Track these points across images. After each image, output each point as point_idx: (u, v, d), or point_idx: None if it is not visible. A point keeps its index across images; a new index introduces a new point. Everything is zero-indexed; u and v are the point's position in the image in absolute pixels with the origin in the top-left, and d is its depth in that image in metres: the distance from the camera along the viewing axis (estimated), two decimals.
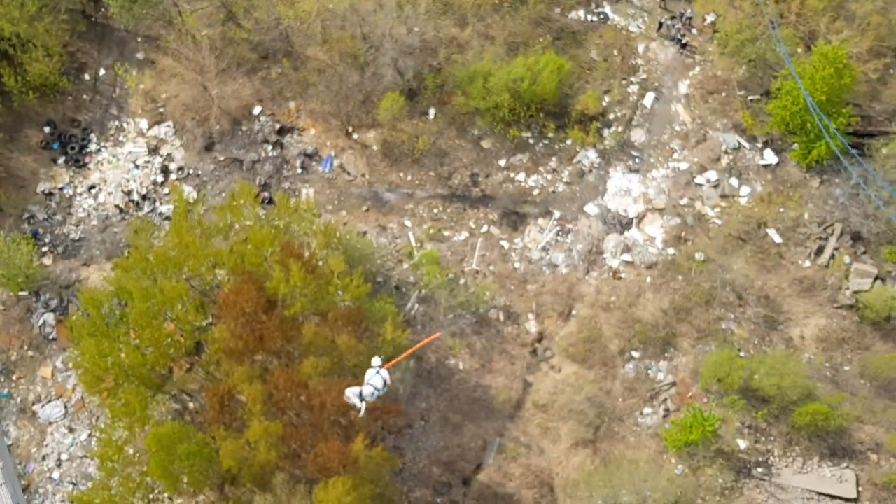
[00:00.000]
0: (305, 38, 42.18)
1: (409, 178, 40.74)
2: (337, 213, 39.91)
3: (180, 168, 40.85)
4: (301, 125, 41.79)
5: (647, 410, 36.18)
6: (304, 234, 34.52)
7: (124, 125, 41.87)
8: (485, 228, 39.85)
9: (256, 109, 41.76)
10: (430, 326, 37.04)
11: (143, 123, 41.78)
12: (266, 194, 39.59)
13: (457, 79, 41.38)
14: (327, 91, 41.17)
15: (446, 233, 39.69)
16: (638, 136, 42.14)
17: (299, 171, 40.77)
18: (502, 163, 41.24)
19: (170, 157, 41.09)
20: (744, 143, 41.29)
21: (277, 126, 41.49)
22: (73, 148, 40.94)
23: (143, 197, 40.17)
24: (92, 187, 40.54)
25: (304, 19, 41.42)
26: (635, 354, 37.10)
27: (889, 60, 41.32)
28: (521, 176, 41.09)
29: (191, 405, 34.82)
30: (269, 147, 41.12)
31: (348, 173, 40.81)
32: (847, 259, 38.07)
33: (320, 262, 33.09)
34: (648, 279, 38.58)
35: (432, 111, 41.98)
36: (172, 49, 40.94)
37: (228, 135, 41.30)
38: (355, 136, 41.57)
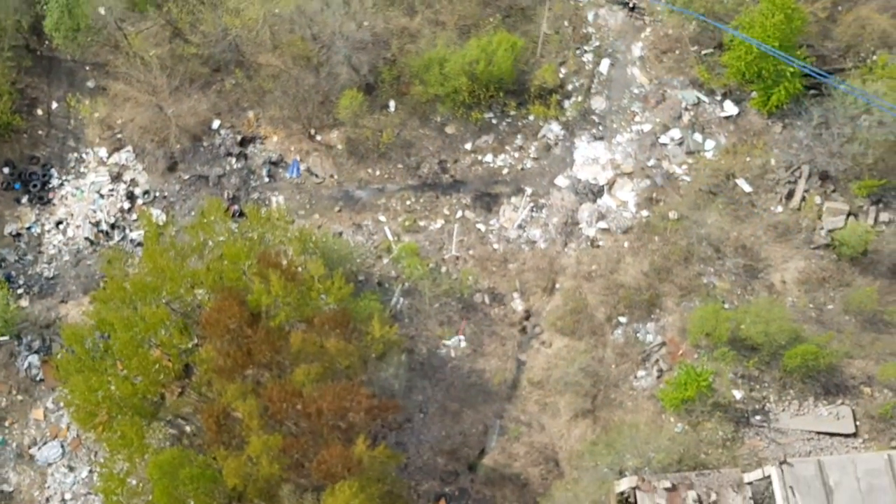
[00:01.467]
0: (255, 46, 41.76)
1: (377, 173, 40.59)
2: (310, 217, 39.70)
3: (146, 192, 40.41)
4: (262, 133, 41.46)
5: (640, 373, 36.51)
6: (279, 242, 34.34)
7: (84, 156, 41.31)
8: (459, 214, 39.84)
9: (215, 123, 41.36)
10: (417, 319, 37.07)
11: (103, 152, 41.24)
12: (236, 207, 39.30)
13: (413, 68, 41.21)
14: (284, 96, 40.85)
15: (422, 223, 39.64)
16: (598, 103, 42.23)
17: (266, 179, 40.48)
18: (468, 146, 41.20)
19: (134, 182, 40.63)
20: (703, 97, 41.51)
21: (239, 137, 41.13)
22: (34, 186, 40.38)
23: (112, 226, 39.73)
24: (59, 223, 40.03)
25: (251, 27, 40.95)
26: (622, 320, 37.36)
27: None
28: (489, 157, 41.08)
29: (187, 429, 34.65)
30: (233, 159, 40.77)
31: (316, 176, 40.58)
32: (818, 199, 38.48)
33: (299, 269, 32.96)
34: (626, 244, 38.80)
35: (392, 103, 41.79)
36: (122, 73, 40.38)
37: (190, 152, 40.88)
38: (318, 137, 41.31)
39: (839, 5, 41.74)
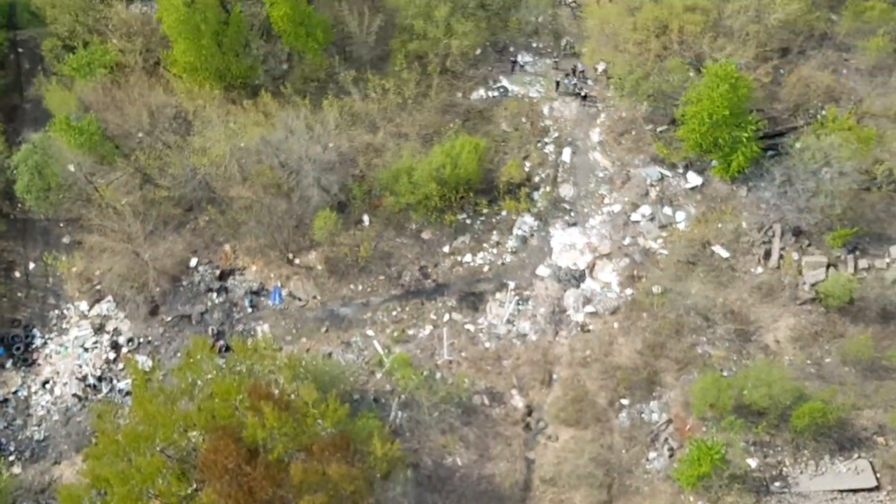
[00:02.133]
0: (225, 181, 42.49)
1: (360, 288, 40.67)
2: (297, 342, 39.41)
3: (130, 340, 40.07)
4: (241, 265, 41.63)
5: (651, 455, 35.71)
6: (269, 372, 33.89)
7: (65, 312, 41.12)
8: (447, 317, 39.74)
9: (193, 261, 41.54)
10: (418, 431, 36.34)
11: (84, 305, 41.10)
12: (222, 342, 38.95)
13: (382, 181, 42.02)
14: (259, 226, 41.29)
15: (410, 331, 39.44)
16: (566, 191, 43.04)
17: (249, 310, 40.37)
18: (446, 249, 41.56)
19: (117, 331, 40.34)
20: (666, 172, 42.49)
21: (217, 272, 41.26)
22: (18, 349, 39.99)
23: (99, 378, 39.15)
24: (46, 382, 39.41)
25: (219, 163, 41.81)
26: (625, 402, 36.85)
27: (776, 62, 43.45)
28: (468, 257, 41.39)
29: None
30: (214, 294, 40.74)
31: (299, 299, 40.56)
32: (796, 255, 38.89)
33: (292, 396, 32.42)
34: (616, 324, 38.73)
35: (366, 218, 42.36)
36: (97, 225, 40.69)
37: (170, 294, 40.85)
38: (297, 261, 41.54)
39: (781, 69, 43.54)
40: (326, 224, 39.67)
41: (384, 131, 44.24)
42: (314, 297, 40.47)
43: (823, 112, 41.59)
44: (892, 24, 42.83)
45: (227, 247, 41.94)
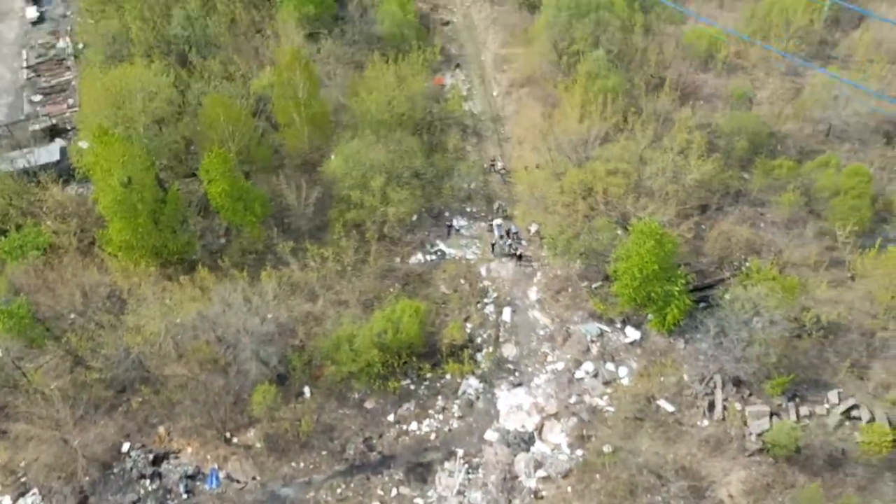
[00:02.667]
0: (160, 359, 41.27)
1: (301, 465, 39.01)
2: None
3: None
4: (176, 447, 39.69)
5: None
6: None
7: None
8: (394, 492, 38.16)
9: (125, 447, 39.45)
10: None
11: (7, 500, 38.19)
12: None
13: (322, 350, 41.46)
14: (195, 404, 39.82)
15: None
16: (509, 350, 43.14)
17: (185, 496, 38.08)
18: (391, 418, 40.59)
19: None
20: (604, 327, 43.18)
21: (151, 456, 39.17)
22: None
23: None
24: None
25: (153, 341, 40.76)
26: None
27: (697, 218, 45.66)
28: (414, 425, 40.43)
29: None
30: (147, 481, 38.45)
31: (237, 481, 38.55)
32: (738, 405, 39.21)
33: None
34: (569, 488, 37.75)
35: (307, 389, 41.37)
36: (23, 413, 38.70)
37: (101, 482, 38.42)
38: (235, 440, 39.87)
39: (702, 224, 45.70)
40: (265, 399, 38.57)
41: (324, 300, 44.22)
42: (253, 478, 38.54)
43: (747, 264, 43.44)
44: (800, 179, 45.85)
45: (161, 429, 40.11)
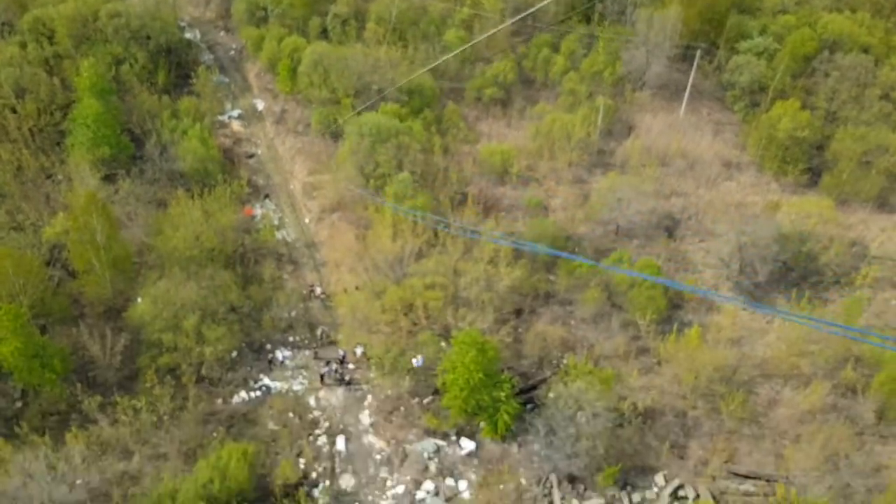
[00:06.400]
0: None
1: None
2: None
3: None
4: None
5: None
6: None
7: None
8: None
9: None
10: None
11: None
12: None
13: None
14: None
15: None
16: (347, 481, 41.65)
17: None
18: None
19: None
20: (440, 442, 43.00)
21: None
22: None
23: None
24: None
25: None
26: None
27: (513, 322, 47.51)
28: None
29: None
30: None
31: None
32: (576, 502, 40.00)
33: None
34: None
35: None
36: None
37: None
38: None
39: (518, 328, 47.57)
40: None
41: (140, 455, 40.76)
42: None
43: (564, 361, 45.47)
44: (599, 276, 49.31)
45: None
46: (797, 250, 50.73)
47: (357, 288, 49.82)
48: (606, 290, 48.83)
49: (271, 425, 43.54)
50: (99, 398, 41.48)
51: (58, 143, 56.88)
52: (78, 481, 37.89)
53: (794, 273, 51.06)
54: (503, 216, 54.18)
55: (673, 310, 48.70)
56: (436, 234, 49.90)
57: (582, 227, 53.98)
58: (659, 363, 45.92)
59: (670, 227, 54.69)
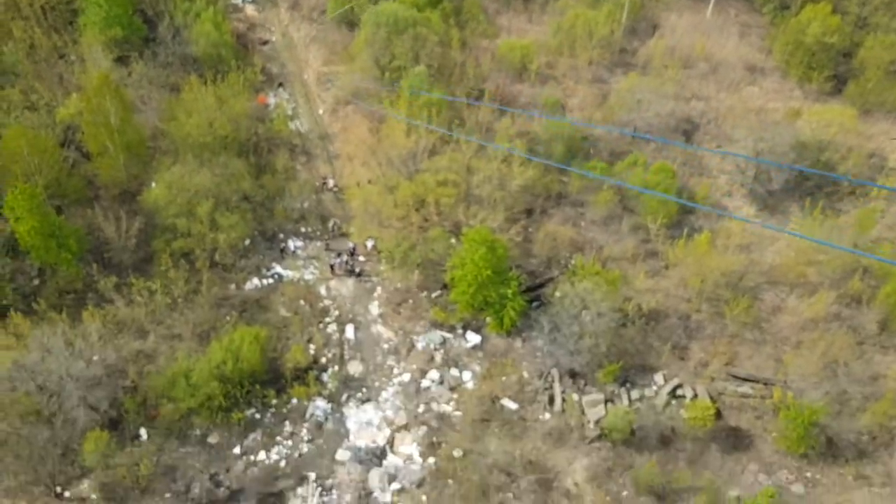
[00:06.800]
0: None
1: None
2: None
3: None
4: None
5: None
6: None
7: None
8: None
9: None
10: None
11: None
12: None
13: (157, 389, 39.36)
14: (18, 461, 36.50)
15: None
16: (355, 367, 42.96)
17: None
18: (237, 450, 39.16)
19: None
20: (446, 335, 44.03)
21: None
22: None
23: None
24: None
25: None
26: None
27: (524, 222, 47.67)
28: (262, 454, 39.23)
29: None
30: None
31: None
32: (576, 396, 41.21)
33: None
34: (423, 497, 38.08)
35: (143, 431, 39.09)
36: None
37: None
38: (67, 494, 36.91)
39: (529, 227, 47.75)
40: (98, 446, 36.04)
41: (155, 335, 42.01)
42: None
43: (573, 261, 45.84)
44: (614, 178, 49.02)
45: None
46: (815, 159, 50.02)
47: (370, 182, 49.84)
48: (619, 192, 48.66)
49: (283, 312, 44.54)
50: (114, 279, 42.44)
51: (70, 23, 55.91)
52: (94, 357, 39.10)
53: (809, 182, 50.55)
54: (519, 114, 53.43)
55: (684, 215, 48.60)
56: (450, 129, 49.39)
57: (599, 128, 53.25)
58: (666, 267, 46.23)
59: (688, 132, 53.87)
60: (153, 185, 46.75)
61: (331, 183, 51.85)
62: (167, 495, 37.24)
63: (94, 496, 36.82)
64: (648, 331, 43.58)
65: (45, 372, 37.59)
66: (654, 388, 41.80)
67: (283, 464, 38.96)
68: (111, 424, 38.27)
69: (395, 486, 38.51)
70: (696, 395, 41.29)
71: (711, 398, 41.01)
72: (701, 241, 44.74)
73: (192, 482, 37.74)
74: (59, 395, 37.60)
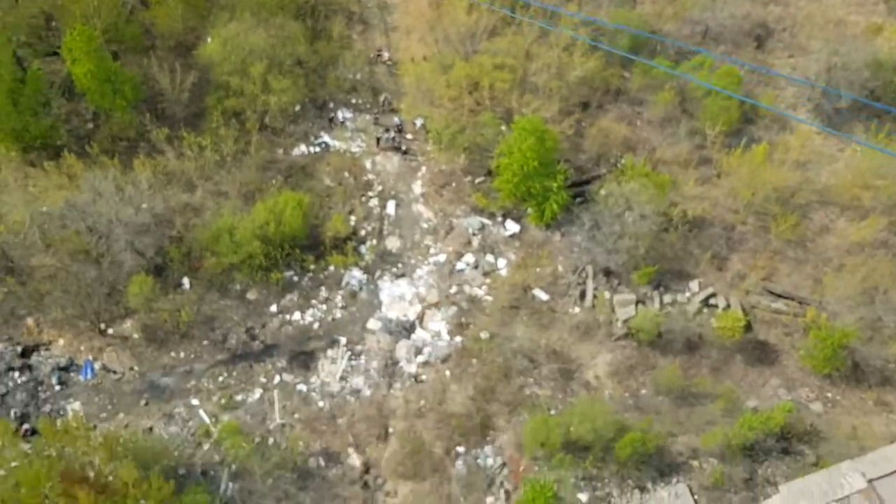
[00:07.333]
0: (25, 250, 39.24)
1: (182, 355, 38.68)
2: (114, 419, 36.69)
3: None
4: (47, 339, 38.40)
5: (489, 500, 36.19)
6: (82, 454, 31.25)
7: None
8: (277, 379, 38.61)
9: None
10: (250, 501, 34.75)
11: None
12: (27, 426, 35.51)
13: (202, 242, 40.53)
14: (66, 295, 38.36)
15: (239, 397, 37.91)
16: (393, 243, 43.56)
17: (58, 387, 37.17)
18: (274, 308, 40.58)
19: None
20: (486, 221, 44.16)
21: (19, 349, 37.77)
22: None
23: None
24: None
25: (17, 231, 38.67)
26: (460, 450, 37.23)
27: (578, 115, 46.66)
28: (297, 315, 40.62)
29: None
30: (16, 374, 37.20)
31: (114, 372, 37.89)
32: (608, 294, 41.46)
33: (110, 478, 30.06)
34: (447, 372, 39.33)
35: (186, 280, 40.58)
36: None
37: None
38: (110, 331, 38.93)
39: (582, 121, 46.75)
40: (142, 289, 37.58)
41: (202, 190, 42.87)
42: (131, 369, 37.97)
43: (622, 161, 45.04)
44: (676, 79, 47.39)
45: (29, 320, 38.56)
46: (889, 80, 47.59)
47: (425, 59, 48.82)
48: (680, 94, 47.07)
49: (327, 181, 44.94)
50: (166, 131, 42.94)
51: None
52: (143, 205, 40.22)
53: (879, 104, 48.27)
54: (586, 0, 51.37)
55: (745, 123, 47.04)
56: (513, 10, 47.71)
57: (669, 24, 51.06)
58: (718, 175, 45.22)
59: (761, 37, 51.37)
60: (209, 39, 46.46)
61: (385, 56, 50.97)
62: (205, 342, 39.00)
63: (136, 336, 38.73)
64: (690, 238, 43.15)
65: (96, 214, 38.81)
66: (688, 294, 41.78)
67: (316, 326, 40.33)
68: (156, 271, 39.73)
69: (421, 358, 39.76)
70: (728, 306, 41.23)
71: (744, 310, 40.95)
72: (758, 152, 43.48)
73: (230, 333, 39.41)
74: (107, 237, 38.96)
